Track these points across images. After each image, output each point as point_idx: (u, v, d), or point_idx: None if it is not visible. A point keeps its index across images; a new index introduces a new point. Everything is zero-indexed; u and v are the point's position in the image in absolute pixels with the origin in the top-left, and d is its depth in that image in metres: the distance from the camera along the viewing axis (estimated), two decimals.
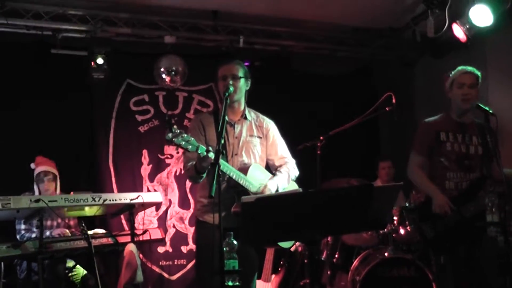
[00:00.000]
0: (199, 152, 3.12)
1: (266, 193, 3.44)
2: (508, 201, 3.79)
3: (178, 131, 3.01)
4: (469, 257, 3.86)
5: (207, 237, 3.35)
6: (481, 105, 3.87)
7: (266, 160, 3.76)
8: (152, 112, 6.39)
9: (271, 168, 3.75)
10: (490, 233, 3.68)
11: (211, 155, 3.10)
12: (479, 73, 3.98)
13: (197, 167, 3.30)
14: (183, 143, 3.03)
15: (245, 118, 3.66)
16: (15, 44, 5.78)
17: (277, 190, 3.54)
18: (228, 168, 3.33)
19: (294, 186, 3.80)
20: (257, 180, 3.51)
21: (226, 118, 3.47)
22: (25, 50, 5.87)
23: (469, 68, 4.00)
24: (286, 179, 3.68)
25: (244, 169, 3.46)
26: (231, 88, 3.42)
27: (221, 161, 3.10)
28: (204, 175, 3.37)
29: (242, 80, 3.56)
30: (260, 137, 3.68)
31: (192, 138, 3.09)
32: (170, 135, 2.98)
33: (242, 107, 3.66)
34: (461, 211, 3.80)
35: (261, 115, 3.80)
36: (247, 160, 3.56)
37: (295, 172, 3.80)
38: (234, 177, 3.35)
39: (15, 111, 5.82)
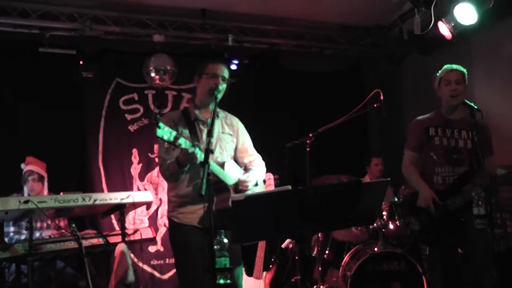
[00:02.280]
0: (187, 147, 3.14)
1: (247, 184, 3.49)
2: (494, 194, 3.85)
3: (167, 128, 3.05)
4: (457, 249, 3.94)
5: (186, 238, 3.41)
6: (467, 101, 3.92)
7: (235, 157, 3.78)
8: (142, 111, 6.39)
9: (240, 165, 3.75)
10: (477, 226, 3.74)
11: (197, 151, 3.16)
12: (464, 70, 4.08)
13: (179, 161, 3.29)
14: (172, 139, 3.07)
15: (217, 116, 3.67)
16: (2, 43, 5.73)
17: (256, 184, 3.59)
18: (211, 164, 3.33)
19: (262, 187, 3.83)
20: (234, 175, 3.54)
21: (200, 117, 3.56)
22: (13, 49, 5.83)
23: (455, 66, 4.09)
24: (260, 174, 3.72)
25: (220, 165, 3.48)
26: (220, 87, 3.47)
27: (200, 154, 3.18)
28: (186, 169, 3.37)
29: (225, 84, 3.61)
30: (231, 134, 3.72)
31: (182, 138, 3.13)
32: (159, 131, 3.01)
33: (213, 106, 3.65)
34: (447, 204, 3.87)
35: (229, 114, 3.84)
36: (220, 157, 3.59)
37: (263, 168, 3.82)
38: (216, 172, 3.37)
39: (3, 111, 5.79)
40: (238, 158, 3.79)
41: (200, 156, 3.17)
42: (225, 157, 3.63)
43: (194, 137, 3.46)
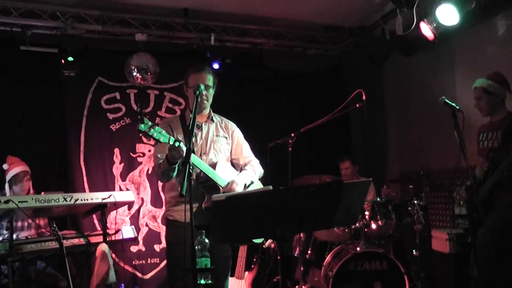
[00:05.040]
0: (170, 143, 3.19)
1: (235, 188, 3.52)
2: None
3: (150, 123, 3.09)
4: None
5: (178, 235, 3.43)
6: (448, 101, 3.95)
7: (231, 160, 3.88)
8: (124, 110, 6.36)
9: (236, 168, 3.86)
10: (457, 226, 3.80)
11: (182, 145, 3.20)
12: (485, 82, 4.31)
13: (168, 158, 3.35)
14: (156, 134, 3.12)
15: (212, 120, 3.79)
16: None
17: (245, 185, 3.64)
18: (198, 162, 3.41)
19: (259, 185, 3.87)
20: (226, 175, 3.61)
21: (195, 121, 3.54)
22: None
23: (477, 82, 4.38)
24: (253, 175, 3.79)
25: (212, 165, 3.57)
26: (202, 86, 3.48)
27: (192, 155, 3.18)
28: (176, 168, 3.43)
29: (212, 89, 3.69)
30: (226, 137, 3.81)
31: (164, 131, 3.18)
32: (142, 126, 3.05)
33: (208, 111, 3.79)
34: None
35: (225, 119, 3.94)
36: (215, 158, 3.68)
37: (260, 169, 3.92)
38: (204, 171, 3.43)
39: None
40: (234, 161, 3.88)
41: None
42: (220, 158, 3.71)
43: (187, 139, 3.48)
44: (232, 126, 3.91)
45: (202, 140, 3.68)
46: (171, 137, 3.23)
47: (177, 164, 3.40)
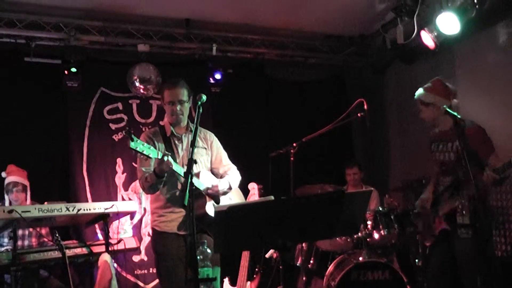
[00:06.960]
0: (159, 158, 3.33)
1: (219, 189, 3.70)
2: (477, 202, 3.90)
3: (139, 140, 3.25)
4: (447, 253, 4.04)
5: (167, 246, 3.62)
6: (449, 110, 3.94)
7: (211, 169, 3.98)
8: (126, 120, 6.37)
9: (216, 176, 3.96)
10: (461, 235, 3.79)
11: (170, 158, 3.36)
12: (420, 95, 4.18)
13: (156, 172, 3.46)
14: (146, 150, 3.26)
15: (190, 131, 3.86)
16: None
17: (229, 187, 3.84)
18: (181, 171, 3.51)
19: (238, 192, 4.04)
20: (209, 184, 3.73)
21: (175, 133, 3.79)
22: None
23: (415, 94, 4.23)
24: (234, 179, 3.94)
25: (195, 175, 3.66)
26: (204, 97, 3.49)
27: (175, 164, 3.42)
28: (163, 180, 3.55)
29: (187, 103, 3.79)
30: (205, 148, 3.93)
31: (152, 147, 3.33)
32: (133, 143, 3.19)
33: (185, 122, 3.88)
34: (437, 210, 4.06)
35: (203, 129, 4.04)
36: (196, 168, 3.76)
37: (239, 176, 4.04)
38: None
39: None
40: (213, 170, 3.99)
41: (176, 165, 3.43)
42: (201, 168, 3.83)
43: (170, 151, 3.66)
44: (211, 136, 4.02)
45: (183, 151, 3.79)
46: (159, 151, 3.37)
47: (164, 177, 3.52)
